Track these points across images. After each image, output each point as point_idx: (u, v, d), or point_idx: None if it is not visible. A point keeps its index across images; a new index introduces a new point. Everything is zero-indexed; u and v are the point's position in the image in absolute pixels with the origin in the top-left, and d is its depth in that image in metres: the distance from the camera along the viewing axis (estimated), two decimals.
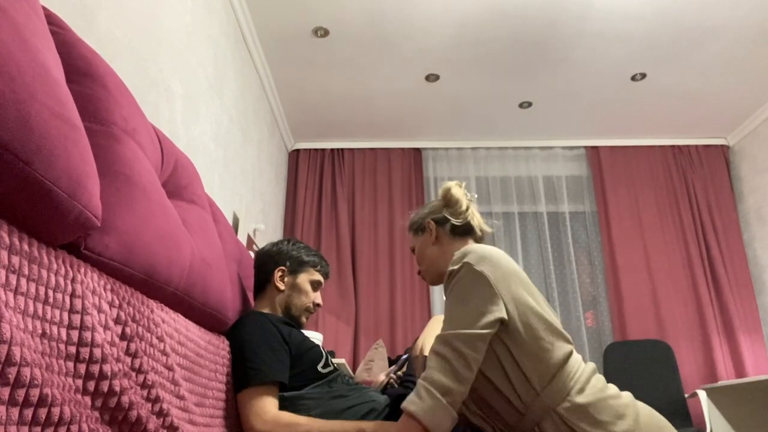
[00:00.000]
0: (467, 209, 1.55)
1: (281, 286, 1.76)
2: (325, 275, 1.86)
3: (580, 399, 1.20)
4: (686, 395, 3.49)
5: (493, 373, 1.27)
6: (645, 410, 1.23)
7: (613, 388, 1.26)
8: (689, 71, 3.66)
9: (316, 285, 1.83)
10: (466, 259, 1.31)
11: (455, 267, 1.32)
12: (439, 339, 1.24)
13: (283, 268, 1.78)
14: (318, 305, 1.84)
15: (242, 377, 1.46)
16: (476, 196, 1.62)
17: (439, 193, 1.60)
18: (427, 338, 1.71)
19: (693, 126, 4.33)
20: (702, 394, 3.34)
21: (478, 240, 1.57)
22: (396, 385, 1.87)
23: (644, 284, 4.09)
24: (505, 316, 1.24)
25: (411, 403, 1.18)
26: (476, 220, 1.55)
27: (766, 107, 4.06)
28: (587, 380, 1.24)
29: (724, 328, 3.98)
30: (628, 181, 4.39)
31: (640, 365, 3.58)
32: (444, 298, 1.44)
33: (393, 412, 1.52)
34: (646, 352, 3.63)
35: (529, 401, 1.22)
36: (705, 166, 4.43)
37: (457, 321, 1.24)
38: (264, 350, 1.51)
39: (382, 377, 1.91)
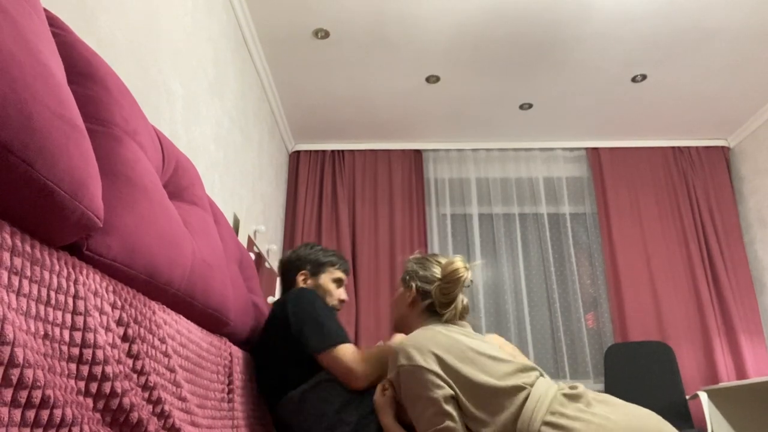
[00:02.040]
0: (452, 303, 1.55)
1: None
2: (345, 272, 1.94)
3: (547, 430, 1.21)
4: (687, 397, 3.49)
5: None
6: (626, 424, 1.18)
7: (587, 409, 1.23)
8: (690, 72, 3.66)
9: (338, 282, 1.91)
10: (399, 362, 1.38)
11: (391, 376, 1.41)
12: None
13: (305, 272, 1.87)
14: (343, 301, 1.92)
15: (328, 338, 1.57)
16: (471, 282, 1.60)
17: (446, 266, 1.57)
18: None
19: (693, 127, 4.33)
20: (703, 396, 3.34)
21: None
22: None
23: (645, 285, 4.09)
24: (453, 390, 1.30)
25: None
26: (455, 312, 1.54)
27: (767, 108, 4.06)
28: (548, 410, 1.24)
29: (725, 329, 3.98)
30: (628, 182, 4.39)
31: (641, 367, 3.57)
32: None
33: None
34: (647, 354, 3.62)
35: None
36: (706, 167, 4.43)
37: (422, 424, 1.31)
38: (332, 317, 1.63)
39: None
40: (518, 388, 1.29)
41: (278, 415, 1.66)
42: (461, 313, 1.56)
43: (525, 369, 1.35)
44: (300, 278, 1.87)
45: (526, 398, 1.27)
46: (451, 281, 1.54)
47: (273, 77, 3.68)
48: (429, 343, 1.37)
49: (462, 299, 1.56)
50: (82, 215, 0.76)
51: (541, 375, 1.37)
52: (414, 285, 1.60)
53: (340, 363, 1.55)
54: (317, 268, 1.89)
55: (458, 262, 1.56)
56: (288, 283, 1.91)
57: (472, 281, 1.59)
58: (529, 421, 1.23)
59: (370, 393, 1.57)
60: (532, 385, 1.30)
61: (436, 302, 1.55)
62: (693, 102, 4.00)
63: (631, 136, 4.45)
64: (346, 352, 1.57)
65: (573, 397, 1.28)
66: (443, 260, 1.61)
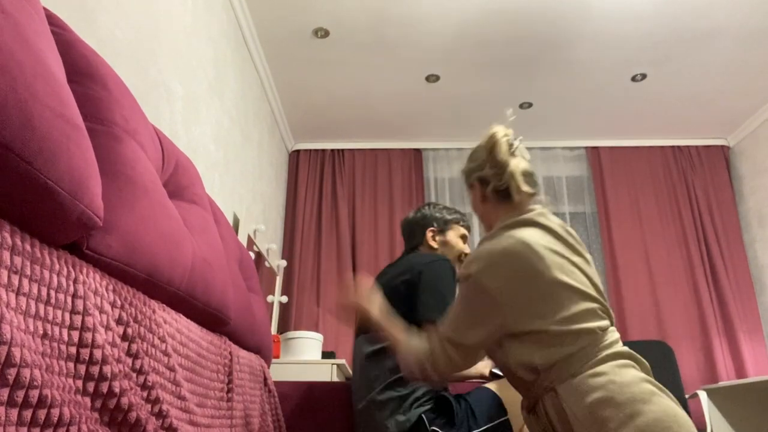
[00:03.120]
0: (505, 171, 1.42)
1: (434, 245, 1.95)
2: (468, 228, 2.06)
3: (583, 384, 1.18)
4: (687, 396, 3.49)
5: (502, 352, 1.30)
6: (660, 410, 1.16)
7: (632, 378, 1.20)
8: (690, 72, 3.66)
9: (464, 239, 2.02)
10: (472, 269, 1.28)
11: (462, 274, 1.32)
12: (437, 334, 1.31)
13: (433, 228, 1.97)
14: (466, 254, 2.02)
15: (442, 313, 1.64)
16: (521, 139, 1.47)
17: (485, 140, 1.47)
18: None
19: (693, 126, 4.33)
20: (702, 395, 3.34)
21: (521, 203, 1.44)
22: None
23: (645, 285, 4.09)
24: (505, 329, 1.25)
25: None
26: (515, 181, 1.40)
27: (767, 108, 4.06)
28: (598, 363, 1.20)
29: (724, 328, 3.98)
30: (628, 181, 4.39)
31: None
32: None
33: None
34: (647, 353, 3.62)
35: (531, 378, 1.25)
36: (705, 166, 4.43)
37: (455, 323, 1.29)
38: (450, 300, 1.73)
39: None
40: (586, 330, 1.22)
41: (367, 343, 1.78)
42: (524, 175, 1.42)
43: (605, 311, 1.28)
44: (429, 235, 1.95)
45: (595, 340, 1.22)
46: (493, 150, 1.44)
47: (273, 76, 3.68)
48: (511, 263, 1.26)
49: (516, 164, 1.42)
50: (82, 214, 0.76)
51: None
52: (472, 179, 1.51)
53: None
54: (444, 225, 1.97)
55: (494, 128, 1.46)
56: (415, 240, 1.98)
57: (518, 140, 1.47)
58: (590, 358, 1.19)
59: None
60: (603, 330, 1.25)
61: (492, 182, 1.44)
62: (693, 101, 4.00)
63: (631, 135, 4.45)
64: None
65: (632, 357, 1.24)
66: (482, 138, 1.51)
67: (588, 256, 1.38)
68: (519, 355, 1.25)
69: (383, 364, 1.69)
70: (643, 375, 1.21)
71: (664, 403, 1.15)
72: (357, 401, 1.77)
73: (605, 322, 1.27)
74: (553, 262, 1.27)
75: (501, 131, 1.46)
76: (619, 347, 1.25)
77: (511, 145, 1.45)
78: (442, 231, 1.97)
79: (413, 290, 1.72)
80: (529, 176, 1.43)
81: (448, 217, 1.99)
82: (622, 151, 4.49)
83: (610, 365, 1.20)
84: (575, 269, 1.30)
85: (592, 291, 1.29)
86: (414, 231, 1.99)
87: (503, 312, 1.25)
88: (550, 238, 1.33)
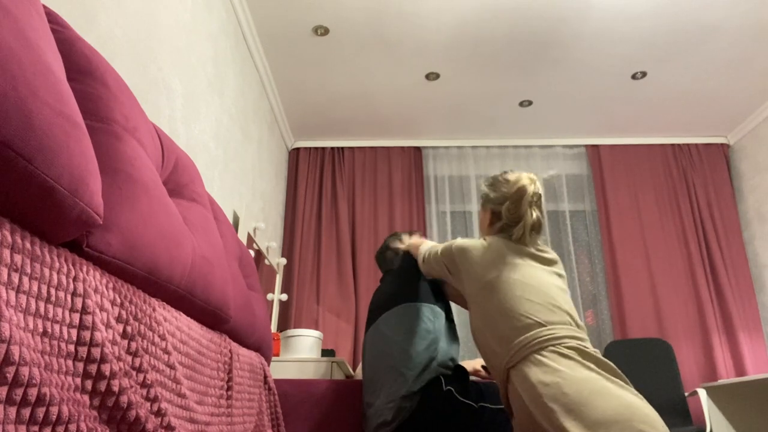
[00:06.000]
0: (520, 220, 1.61)
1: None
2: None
3: (530, 371, 1.31)
4: (686, 394, 3.49)
5: (477, 332, 1.53)
6: (618, 404, 1.19)
7: (586, 376, 1.24)
8: (690, 70, 3.66)
9: None
10: (456, 240, 1.72)
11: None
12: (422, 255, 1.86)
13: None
14: None
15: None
16: (541, 196, 1.67)
17: (512, 184, 1.63)
18: None
19: (693, 124, 4.33)
20: (702, 393, 3.34)
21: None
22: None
23: (644, 283, 4.09)
24: (448, 277, 1.69)
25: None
26: (524, 229, 1.60)
27: (767, 106, 4.05)
28: (542, 356, 1.31)
29: (724, 326, 3.98)
30: (628, 179, 4.39)
31: (640, 364, 3.58)
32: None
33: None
34: (647, 351, 3.62)
35: (496, 362, 1.44)
36: (705, 164, 4.43)
37: (427, 259, 1.81)
38: None
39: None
40: (530, 326, 1.38)
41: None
42: (532, 229, 1.61)
43: (562, 310, 1.42)
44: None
45: (535, 332, 1.35)
46: (518, 199, 1.59)
47: (272, 74, 3.67)
48: (473, 254, 1.58)
49: (532, 214, 1.60)
50: (82, 212, 0.76)
51: (580, 337, 1.39)
52: (489, 206, 1.70)
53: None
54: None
55: (524, 178, 1.61)
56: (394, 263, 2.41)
57: (540, 195, 1.64)
58: (537, 345, 1.32)
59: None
60: (553, 324, 1.37)
61: (506, 222, 1.62)
62: (693, 99, 3.99)
63: (631, 133, 4.45)
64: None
65: (590, 358, 1.31)
66: (512, 177, 1.66)
67: (561, 272, 1.61)
68: (488, 335, 1.45)
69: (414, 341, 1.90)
70: (599, 372, 1.23)
71: (625, 400, 1.17)
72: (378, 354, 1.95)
73: (558, 318, 1.39)
74: (513, 262, 1.53)
75: (531, 186, 1.62)
76: (575, 343, 1.30)
77: (532, 199, 1.63)
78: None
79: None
80: (537, 226, 1.64)
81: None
82: (622, 149, 4.49)
83: (564, 361, 1.26)
84: (539, 276, 1.51)
85: (549, 291, 1.45)
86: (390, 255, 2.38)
87: (460, 274, 1.60)
88: (521, 253, 1.60)
